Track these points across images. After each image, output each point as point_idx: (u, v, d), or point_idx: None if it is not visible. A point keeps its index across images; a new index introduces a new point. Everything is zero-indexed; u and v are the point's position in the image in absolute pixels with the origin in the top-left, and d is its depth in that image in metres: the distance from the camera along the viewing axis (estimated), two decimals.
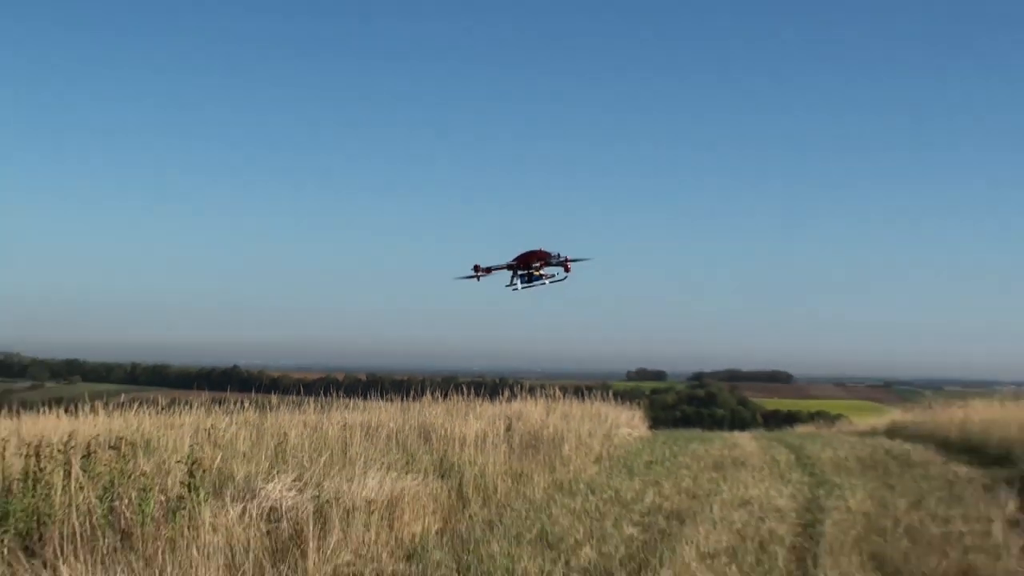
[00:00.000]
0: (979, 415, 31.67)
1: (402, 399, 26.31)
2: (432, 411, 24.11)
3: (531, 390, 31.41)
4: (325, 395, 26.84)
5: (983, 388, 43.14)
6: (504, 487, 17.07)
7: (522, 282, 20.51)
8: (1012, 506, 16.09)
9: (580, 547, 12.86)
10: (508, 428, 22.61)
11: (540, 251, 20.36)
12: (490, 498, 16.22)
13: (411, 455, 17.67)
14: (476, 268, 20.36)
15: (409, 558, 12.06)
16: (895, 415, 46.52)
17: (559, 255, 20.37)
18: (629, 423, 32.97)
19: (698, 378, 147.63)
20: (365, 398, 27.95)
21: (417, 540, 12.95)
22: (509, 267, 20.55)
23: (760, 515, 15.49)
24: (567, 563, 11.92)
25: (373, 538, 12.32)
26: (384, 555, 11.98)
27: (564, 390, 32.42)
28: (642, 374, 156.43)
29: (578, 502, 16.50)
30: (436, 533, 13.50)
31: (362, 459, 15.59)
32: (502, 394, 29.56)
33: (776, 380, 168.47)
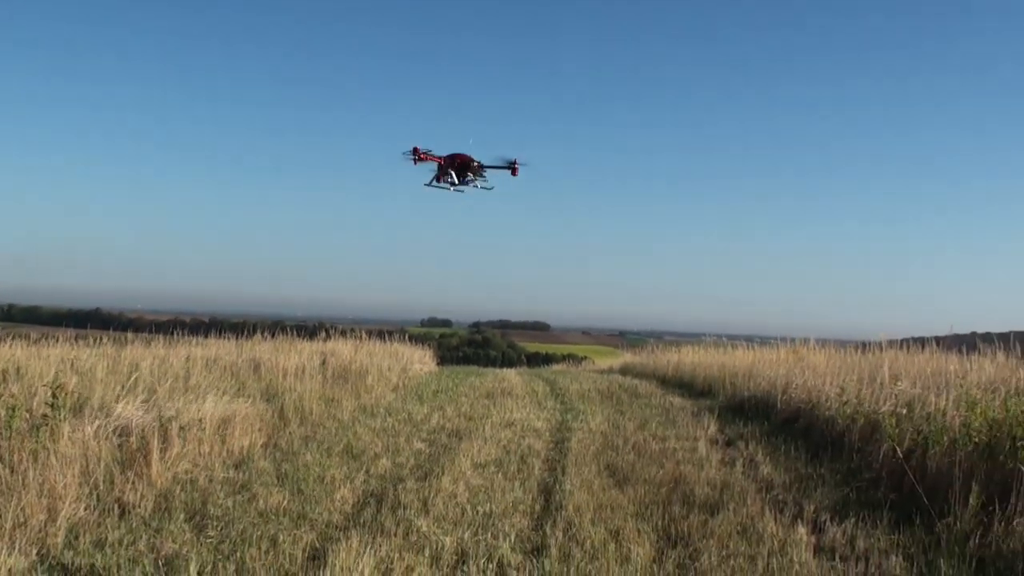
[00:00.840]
0: (689, 358, 32.65)
1: (237, 338, 25.73)
2: (261, 348, 23.58)
3: (343, 332, 31.08)
4: (173, 334, 26.01)
5: (693, 338, 44.37)
6: (318, 410, 16.80)
7: (456, 182, 17.55)
8: (713, 428, 16.57)
9: (379, 458, 12.73)
10: (323, 362, 22.30)
11: (467, 156, 17.14)
12: (307, 418, 15.94)
13: (242, 383, 17.22)
14: (415, 151, 17.13)
15: (238, 466, 11.75)
16: (627, 357, 47.50)
17: (481, 164, 17.57)
18: (421, 360, 32.85)
19: (477, 326, 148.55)
20: (206, 337, 27.25)
21: (245, 452, 12.63)
22: (439, 161, 17.36)
23: (522, 434, 15.57)
24: (367, 471, 11.77)
25: (208, 450, 11.95)
26: (217, 464, 11.63)
27: (369, 333, 32.22)
28: (432, 322, 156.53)
29: (378, 422, 16.35)
30: (261, 446, 13.19)
31: (202, 386, 15.11)
32: (319, 335, 29.20)
33: (537, 329, 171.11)
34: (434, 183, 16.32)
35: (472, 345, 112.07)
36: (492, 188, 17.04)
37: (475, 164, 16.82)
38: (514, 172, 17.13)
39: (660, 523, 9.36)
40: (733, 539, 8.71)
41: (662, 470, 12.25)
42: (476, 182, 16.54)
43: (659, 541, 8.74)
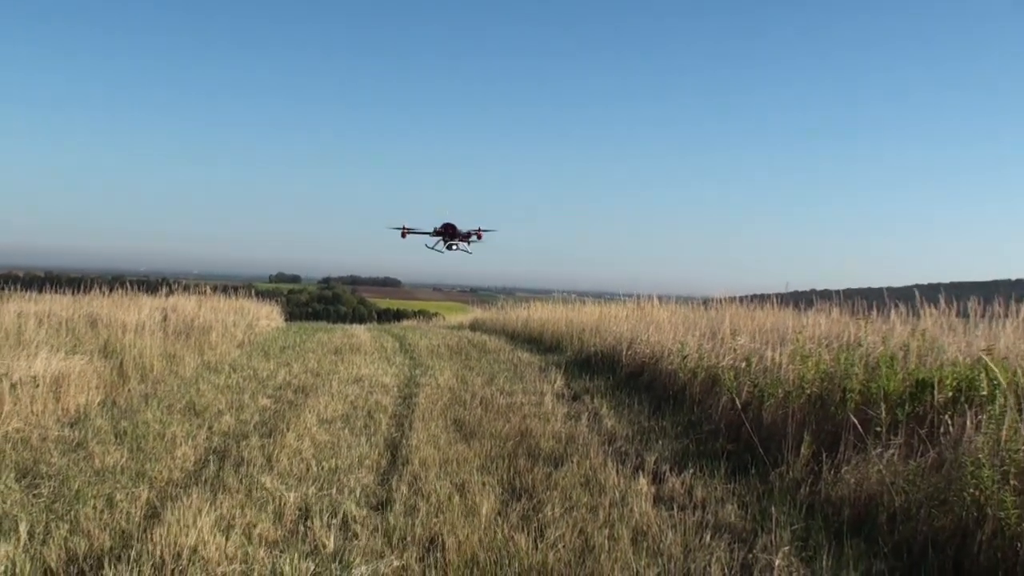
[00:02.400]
0: (538, 314, 32.87)
1: (74, 293, 24.84)
2: (100, 303, 22.77)
3: (186, 288, 30.32)
4: (5, 288, 25.01)
5: (543, 295, 44.82)
6: (159, 366, 16.38)
7: (444, 246, 21.09)
8: (559, 383, 16.82)
9: (222, 415, 12.53)
10: (165, 318, 21.74)
11: (452, 225, 20.81)
12: (147, 375, 15.54)
13: (79, 339, 16.67)
14: (403, 228, 20.95)
15: (73, 425, 11.41)
16: (477, 313, 47.56)
17: (469, 231, 21.17)
18: (268, 316, 32.34)
19: (327, 282, 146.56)
20: (41, 292, 26.27)
21: (81, 410, 12.25)
22: (434, 232, 21.03)
23: (369, 390, 15.52)
24: (210, 428, 11.59)
25: (41, 408, 11.55)
26: (51, 422, 11.28)
27: (215, 288, 31.47)
28: (281, 277, 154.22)
29: (222, 379, 16.06)
30: (99, 404, 12.82)
31: (34, 342, 14.57)
32: (161, 290, 28.40)
33: (388, 284, 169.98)
34: (435, 247, 20.90)
35: (322, 301, 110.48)
36: (471, 253, 21.44)
37: (455, 233, 20.38)
38: (479, 237, 20.73)
39: (505, 476, 9.49)
40: (576, 491, 8.90)
41: (508, 424, 12.39)
42: (460, 245, 21.00)
43: (504, 494, 8.87)
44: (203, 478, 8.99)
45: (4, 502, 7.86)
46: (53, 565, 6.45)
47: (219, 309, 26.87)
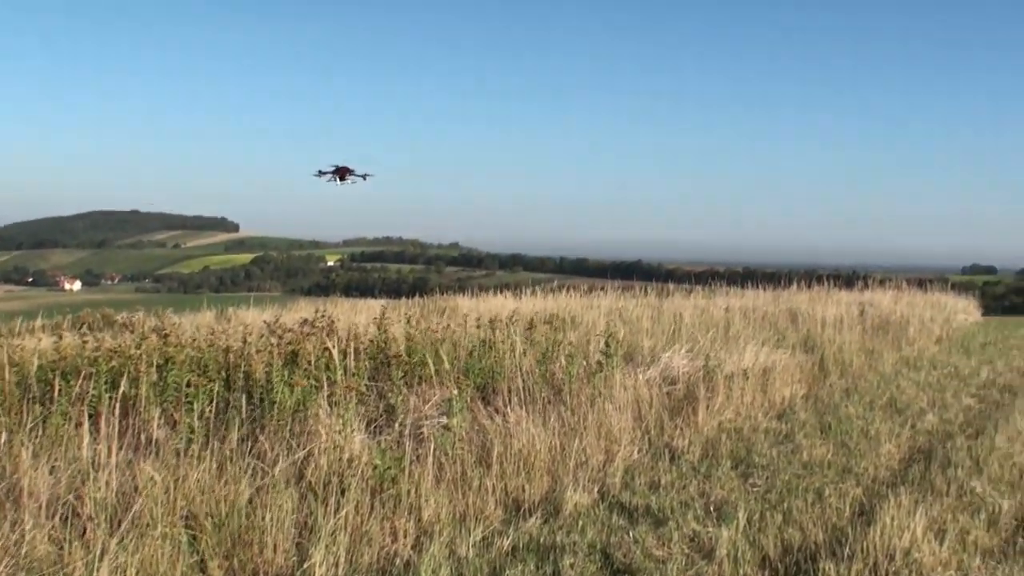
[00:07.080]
0: None
1: (772, 288, 25.73)
2: (797, 298, 23.38)
3: (880, 282, 29.99)
4: (709, 284, 26.59)
5: None
6: (858, 362, 16.37)
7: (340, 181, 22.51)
8: None
9: (924, 413, 12.17)
10: (861, 313, 21.66)
11: (346, 167, 22.32)
12: (846, 370, 15.61)
13: (781, 334, 17.20)
14: (320, 171, 22.55)
15: (779, 417, 11.79)
16: None
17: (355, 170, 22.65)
18: (964, 310, 30.92)
19: None
20: (742, 287, 27.54)
21: (786, 403, 12.64)
22: (333, 172, 22.52)
23: None
24: (913, 426, 11.28)
25: (750, 400, 12.11)
26: (759, 414, 11.78)
27: (908, 282, 30.80)
28: (975, 269, 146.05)
29: (922, 376, 15.62)
30: (801, 398, 13.13)
31: (741, 336, 15.31)
32: (855, 285, 28.38)
33: None
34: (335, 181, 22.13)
35: (1020, 293, 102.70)
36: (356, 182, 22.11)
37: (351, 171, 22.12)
38: (364, 178, 22.15)
39: None
40: None
41: None
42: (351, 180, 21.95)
43: None
44: (909, 478, 8.77)
45: (723, 488, 8.33)
46: (770, 553, 6.68)
47: (914, 304, 26.21)
